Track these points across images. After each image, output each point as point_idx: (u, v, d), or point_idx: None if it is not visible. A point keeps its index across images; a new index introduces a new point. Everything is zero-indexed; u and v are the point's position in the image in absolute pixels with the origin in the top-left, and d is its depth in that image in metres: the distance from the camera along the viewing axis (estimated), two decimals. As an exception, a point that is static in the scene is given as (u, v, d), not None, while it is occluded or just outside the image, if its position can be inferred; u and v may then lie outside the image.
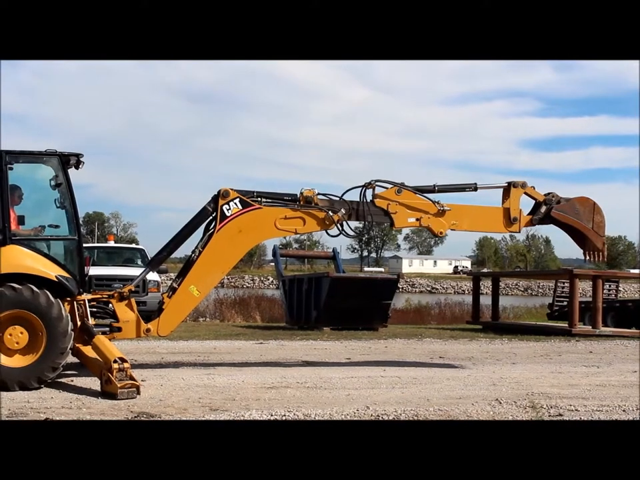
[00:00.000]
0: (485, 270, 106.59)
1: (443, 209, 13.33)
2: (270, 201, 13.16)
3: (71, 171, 11.74)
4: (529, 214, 13.80)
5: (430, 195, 13.47)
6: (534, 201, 13.85)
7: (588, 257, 13.86)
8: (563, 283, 28.67)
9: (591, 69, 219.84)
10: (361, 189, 13.29)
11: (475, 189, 13.73)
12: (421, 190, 13.46)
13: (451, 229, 13.61)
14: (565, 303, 26.95)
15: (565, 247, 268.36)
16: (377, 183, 13.35)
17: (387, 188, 13.37)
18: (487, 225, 14.18)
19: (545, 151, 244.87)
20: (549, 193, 13.74)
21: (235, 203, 12.77)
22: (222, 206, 12.72)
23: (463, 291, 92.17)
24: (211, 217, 12.87)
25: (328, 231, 13.33)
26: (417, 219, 13.39)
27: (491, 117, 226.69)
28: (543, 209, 13.64)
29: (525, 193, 13.68)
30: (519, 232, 13.86)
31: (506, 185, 13.62)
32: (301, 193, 13.12)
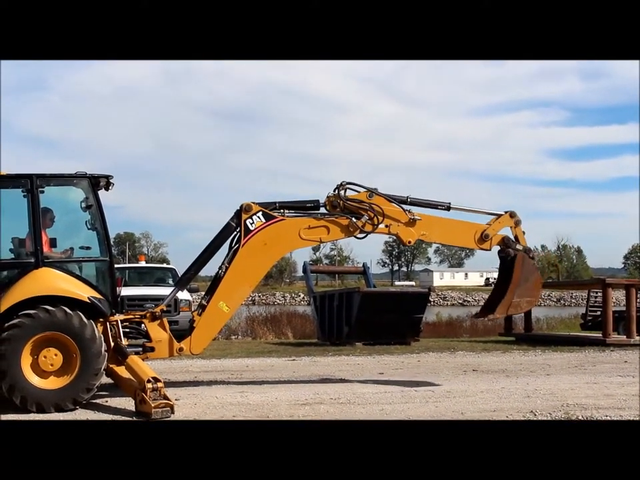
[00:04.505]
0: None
1: (413, 218, 13.21)
2: (293, 211, 13.24)
3: (101, 193, 11.88)
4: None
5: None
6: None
7: (480, 312, 14.01)
8: (596, 292, 28.41)
9: (618, 76, 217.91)
10: (333, 191, 13.25)
11: (448, 209, 13.60)
12: (393, 198, 13.39)
13: (420, 239, 13.58)
14: (599, 313, 26.70)
15: (597, 257, 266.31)
16: (348, 186, 13.27)
17: (358, 192, 13.33)
18: (457, 239, 14.19)
19: (574, 160, 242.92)
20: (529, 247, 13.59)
21: (258, 217, 12.85)
22: (245, 220, 12.81)
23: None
24: (235, 232, 12.95)
25: (355, 235, 13.35)
26: (386, 226, 13.27)
27: (518, 128, 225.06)
28: (520, 246, 13.37)
29: (513, 228, 13.49)
30: (490, 250, 13.56)
31: (504, 213, 13.52)
32: (328, 197, 13.20)
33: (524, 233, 13.61)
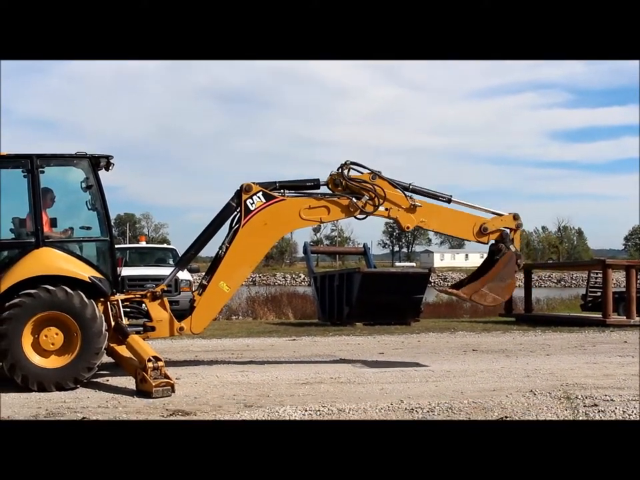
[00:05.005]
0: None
1: (414, 204, 13.18)
2: (293, 191, 13.24)
3: (102, 173, 11.88)
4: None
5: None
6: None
7: (448, 288, 14.07)
8: (596, 273, 28.43)
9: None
10: (336, 169, 13.21)
11: (449, 201, 13.53)
12: (395, 183, 13.33)
13: (419, 226, 13.54)
14: (599, 294, 26.74)
15: (598, 238, 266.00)
16: (352, 166, 13.23)
17: (361, 172, 13.29)
18: (456, 230, 14.07)
19: (576, 142, 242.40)
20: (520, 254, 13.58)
21: (259, 197, 12.85)
22: (245, 200, 12.82)
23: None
24: (235, 212, 12.96)
25: (355, 215, 13.35)
26: (387, 209, 13.24)
27: (520, 110, 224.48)
28: (512, 247, 13.23)
29: (512, 231, 13.42)
30: (487, 243, 13.51)
31: (508, 213, 13.48)
32: (330, 175, 13.17)
33: (520, 237, 13.60)
